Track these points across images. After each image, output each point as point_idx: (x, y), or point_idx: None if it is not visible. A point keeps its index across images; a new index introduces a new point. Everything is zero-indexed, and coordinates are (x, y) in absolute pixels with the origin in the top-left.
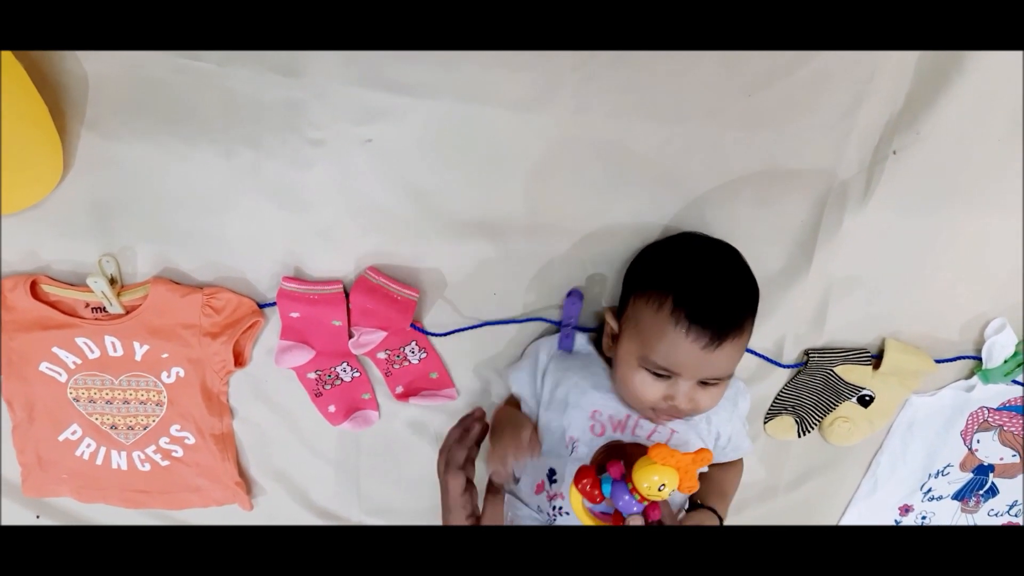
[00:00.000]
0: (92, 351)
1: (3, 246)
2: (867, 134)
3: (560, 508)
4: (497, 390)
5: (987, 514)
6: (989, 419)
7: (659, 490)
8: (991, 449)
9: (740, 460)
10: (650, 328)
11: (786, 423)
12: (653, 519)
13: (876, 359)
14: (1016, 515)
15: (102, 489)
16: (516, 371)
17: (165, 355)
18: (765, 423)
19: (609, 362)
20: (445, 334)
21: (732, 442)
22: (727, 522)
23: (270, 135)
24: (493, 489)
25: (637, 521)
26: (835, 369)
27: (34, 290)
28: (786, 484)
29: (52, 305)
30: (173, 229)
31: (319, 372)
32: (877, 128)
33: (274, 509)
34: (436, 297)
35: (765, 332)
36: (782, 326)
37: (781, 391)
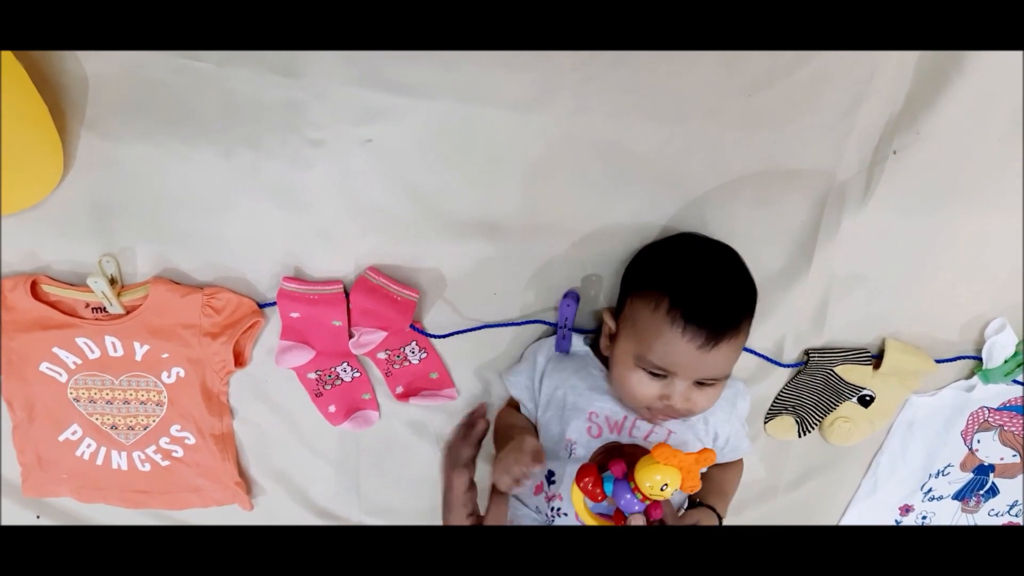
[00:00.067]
0: (92, 351)
1: (3, 246)
2: (867, 134)
3: (558, 509)
4: (497, 390)
5: (987, 514)
6: (989, 419)
7: (661, 490)
8: (991, 449)
9: (740, 460)
10: (646, 327)
11: (786, 423)
12: (655, 518)
13: (876, 359)
14: (1016, 515)
15: (102, 489)
16: (514, 374)
17: (165, 355)
18: (765, 423)
19: (607, 363)
20: (445, 336)
21: (730, 443)
22: (727, 522)
23: (270, 135)
24: (499, 491)
25: (639, 520)
26: (835, 369)
27: (34, 290)
28: (786, 484)
29: (52, 305)
30: (173, 229)
31: (319, 372)
32: (877, 128)
33: (274, 509)
34: (436, 297)
35: (765, 332)
36: (782, 326)
37: (781, 391)
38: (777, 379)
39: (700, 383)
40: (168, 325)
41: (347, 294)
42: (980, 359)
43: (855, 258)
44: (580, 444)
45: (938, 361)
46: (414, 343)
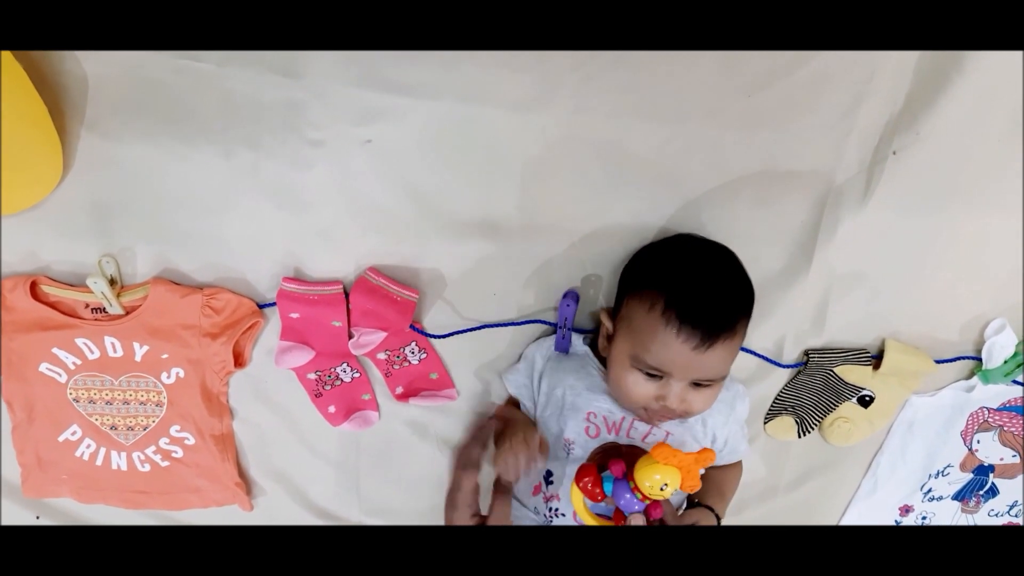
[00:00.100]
0: (92, 352)
1: (3, 247)
2: (867, 134)
3: (556, 510)
4: (497, 390)
5: (987, 514)
6: (989, 419)
7: (661, 489)
8: (991, 449)
9: (739, 462)
10: (642, 328)
11: (786, 423)
12: (654, 518)
13: (876, 359)
14: (1016, 515)
15: (102, 490)
16: (513, 374)
17: (165, 356)
18: (765, 423)
19: (605, 363)
20: (444, 336)
21: (729, 445)
22: (726, 522)
23: (270, 136)
24: (502, 490)
25: (639, 520)
26: (835, 369)
27: (34, 291)
28: (786, 484)
29: (52, 306)
30: (173, 230)
31: (319, 373)
32: (877, 128)
33: (274, 510)
34: (436, 298)
35: (765, 332)
36: (782, 326)
37: (781, 391)
38: (777, 379)
39: (696, 384)
40: (168, 326)
41: (347, 294)
42: (980, 359)
43: (855, 258)
44: (578, 444)
45: (938, 361)
46: (414, 343)
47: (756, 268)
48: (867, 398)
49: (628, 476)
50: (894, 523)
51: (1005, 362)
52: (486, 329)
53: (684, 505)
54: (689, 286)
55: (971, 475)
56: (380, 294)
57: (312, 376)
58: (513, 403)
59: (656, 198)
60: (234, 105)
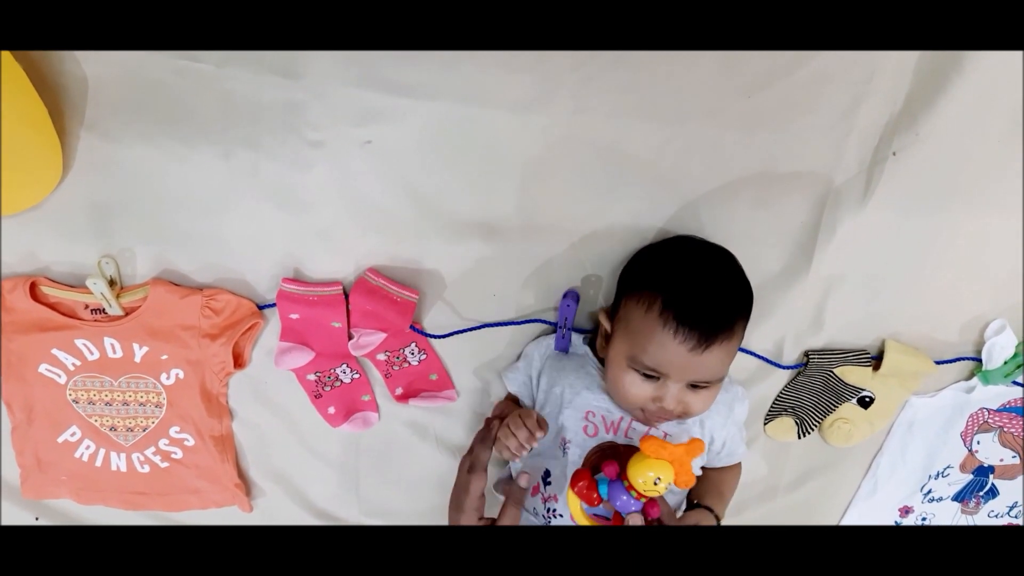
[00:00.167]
0: (91, 353)
1: (3, 247)
2: (866, 135)
3: (555, 511)
4: (497, 390)
5: (987, 515)
6: (989, 420)
7: (655, 484)
8: (991, 450)
9: (738, 464)
10: (640, 328)
11: (786, 424)
12: (652, 517)
13: (876, 360)
14: (1016, 516)
15: (101, 491)
16: (512, 372)
17: (164, 357)
18: (765, 424)
19: (604, 363)
20: (444, 336)
21: (727, 447)
22: (726, 522)
23: (269, 136)
24: (514, 499)
25: (637, 520)
26: (835, 370)
27: (33, 292)
28: (786, 484)
29: (51, 307)
30: (172, 230)
31: (319, 374)
32: (876, 129)
33: (274, 511)
34: (435, 298)
35: (765, 333)
36: (782, 327)
37: (781, 392)
38: (777, 380)
39: (694, 386)
40: (167, 326)
41: (347, 295)
42: (980, 360)
43: (855, 259)
44: (575, 443)
45: (938, 362)
46: (414, 344)
47: (756, 269)
48: (867, 399)
49: (622, 476)
50: (894, 524)
51: (1005, 363)
52: (486, 329)
53: (683, 506)
54: (687, 287)
55: (971, 476)
56: (380, 295)
57: (312, 377)
58: (513, 401)
59: (656, 198)
60: (234, 106)
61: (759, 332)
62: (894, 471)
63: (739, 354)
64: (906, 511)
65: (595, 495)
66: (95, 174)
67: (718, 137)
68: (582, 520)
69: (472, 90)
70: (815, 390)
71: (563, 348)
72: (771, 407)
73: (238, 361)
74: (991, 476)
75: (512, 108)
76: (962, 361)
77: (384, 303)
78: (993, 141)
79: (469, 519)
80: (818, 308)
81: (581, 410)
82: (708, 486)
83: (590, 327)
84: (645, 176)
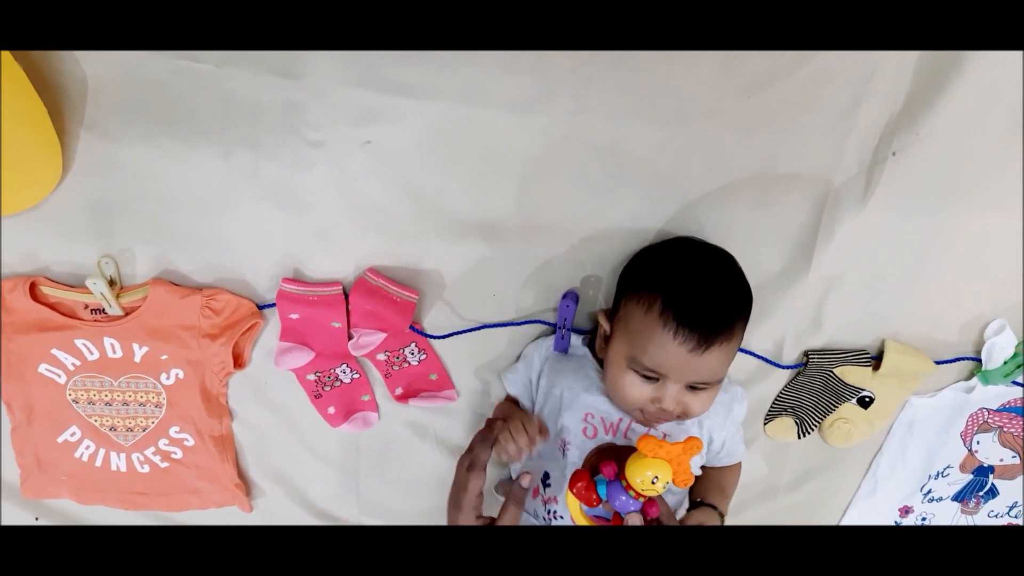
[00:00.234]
0: (91, 353)
1: (3, 247)
2: (866, 135)
3: (555, 512)
4: (496, 391)
5: (987, 515)
6: (989, 420)
7: (652, 483)
8: (991, 450)
9: (738, 463)
10: (639, 329)
11: (786, 424)
12: (651, 516)
13: (876, 360)
14: (1016, 516)
15: (101, 491)
16: (512, 373)
17: (164, 357)
18: (765, 424)
19: (603, 364)
20: (444, 336)
21: (726, 447)
22: (727, 522)
23: (269, 136)
24: (514, 499)
25: (636, 520)
26: (835, 370)
27: (33, 292)
28: (786, 484)
29: (51, 307)
30: (172, 230)
31: (319, 374)
32: (876, 129)
33: (273, 511)
34: (435, 298)
35: (765, 333)
36: (782, 327)
37: (781, 392)
38: (776, 380)
39: (693, 387)
40: (167, 326)
41: (346, 295)
42: (980, 360)
43: (855, 259)
44: (574, 444)
45: (938, 362)
46: (413, 344)
47: (756, 269)
48: (867, 399)
49: (620, 476)
50: (894, 524)
51: (1005, 363)
52: (485, 329)
53: (686, 505)
54: (686, 288)
55: (971, 476)
56: (380, 295)
57: (312, 377)
58: (512, 402)
59: (656, 199)
60: (233, 106)
61: (759, 332)
62: (894, 471)
63: (739, 354)
64: (906, 511)
65: (594, 496)
66: (95, 174)
67: (718, 137)
68: (582, 521)
69: (472, 90)
70: (815, 390)
71: (562, 349)
72: (771, 407)
73: (238, 361)
74: (991, 476)
75: (512, 108)
76: (962, 361)
77: (384, 303)
78: (993, 141)
79: (467, 518)
80: (818, 308)
81: (580, 412)
82: (710, 484)
83: (589, 328)
84: (645, 176)
